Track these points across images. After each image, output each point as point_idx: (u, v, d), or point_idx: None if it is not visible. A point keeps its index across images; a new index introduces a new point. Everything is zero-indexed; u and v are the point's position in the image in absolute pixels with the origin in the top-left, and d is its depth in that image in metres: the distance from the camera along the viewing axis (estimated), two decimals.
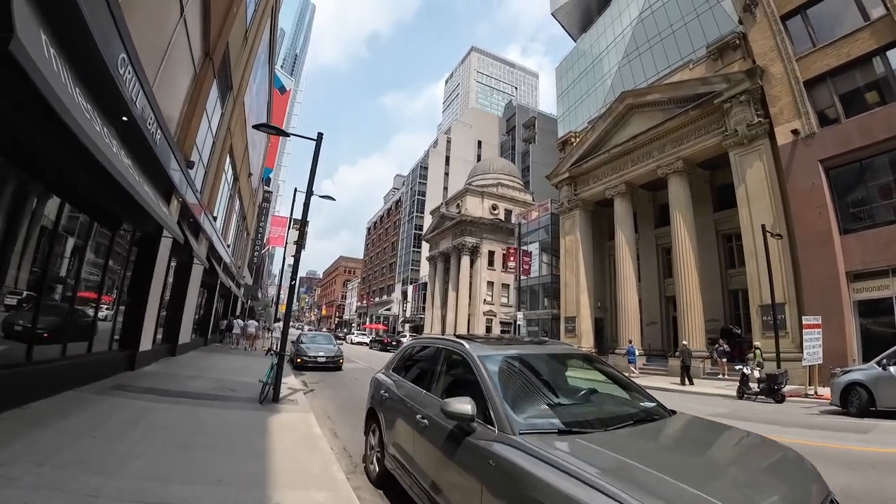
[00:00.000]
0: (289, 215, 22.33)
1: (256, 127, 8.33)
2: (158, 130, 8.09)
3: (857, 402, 9.94)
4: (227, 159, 17.77)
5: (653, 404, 3.38)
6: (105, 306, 8.32)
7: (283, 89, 48.18)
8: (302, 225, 8.23)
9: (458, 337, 3.95)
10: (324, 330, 68.38)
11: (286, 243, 21.65)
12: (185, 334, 14.54)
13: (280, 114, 45.79)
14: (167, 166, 8.67)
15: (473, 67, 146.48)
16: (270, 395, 7.76)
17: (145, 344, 9.77)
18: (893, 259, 14.86)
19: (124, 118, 6.64)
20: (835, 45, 16.92)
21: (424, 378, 4.03)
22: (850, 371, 10.97)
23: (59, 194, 6.16)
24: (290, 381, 10.62)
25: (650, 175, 24.84)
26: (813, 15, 18.07)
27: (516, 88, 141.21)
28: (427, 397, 3.68)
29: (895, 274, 14.92)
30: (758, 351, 17.26)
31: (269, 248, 60.58)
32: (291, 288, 8.24)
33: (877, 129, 15.39)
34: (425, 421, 3.43)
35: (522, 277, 31.86)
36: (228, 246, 21.55)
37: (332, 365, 15.63)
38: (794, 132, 17.51)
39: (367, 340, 40.65)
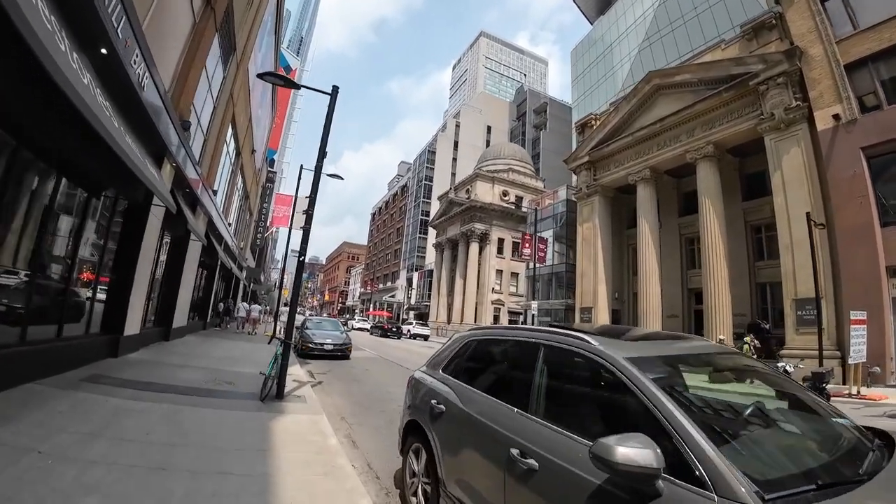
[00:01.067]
0: (294, 193, 21.02)
1: (261, 76, 7.03)
2: (147, 76, 6.81)
3: None
4: (230, 130, 16.48)
5: (853, 425, 2.15)
6: (82, 283, 7.12)
7: (288, 69, 46.66)
8: (315, 186, 6.98)
9: (569, 329, 2.66)
10: (324, 315, 67.54)
11: (291, 223, 20.32)
12: (181, 317, 13.38)
13: (285, 94, 44.36)
14: (157, 120, 7.38)
15: (482, 53, 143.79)
16: (273, 391, 6.58)
17: (131, 327, 8.58)
18: None
19: (103, 50, 5.37)
20: (876, 30, 15.74)
21: (510, 390, 2.81)
22: None
23: (24, 143, 4.91)
24: (294, 371, 9.47)
25: (677, 160, 23.45)
26: None
27: (525, 75, 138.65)
28: (528, 422, 2.43)
29: None
30: (746, 346, 17.14)
31: (272, 232, 59.48)
32: (300, 264, 7.00)
33: None
34: (532, 462, 2.20)
35: (540, 265, 30.55)
36: (230, 224, 20.31)
37: (340, 353, 14.46)
38: (835, 117, 16.30)
39: (368, 326, 40.45)
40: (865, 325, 13.51)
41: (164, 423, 4.63)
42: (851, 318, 13.50)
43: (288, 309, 22.49)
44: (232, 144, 17.79)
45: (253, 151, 23.82)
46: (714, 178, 21.44)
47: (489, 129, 74.55)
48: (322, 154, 7.18)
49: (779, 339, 19.49)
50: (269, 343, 6.96)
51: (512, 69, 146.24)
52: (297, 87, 7.27)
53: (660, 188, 25.40)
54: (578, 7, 54.54)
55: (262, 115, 26.40)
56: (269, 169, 38.44)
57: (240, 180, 21.86)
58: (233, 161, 18.75)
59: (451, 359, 3.57)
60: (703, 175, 21.65)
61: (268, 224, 36.78)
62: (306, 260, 7.08)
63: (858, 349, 12.90)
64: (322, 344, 14.11)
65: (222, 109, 14.10)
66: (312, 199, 7.05)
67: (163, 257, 11.67)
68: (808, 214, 15.54)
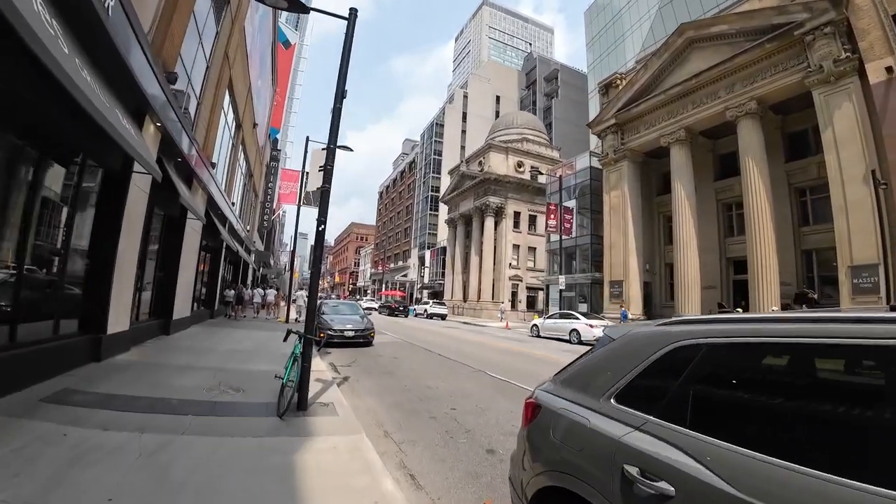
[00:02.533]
0: (301, 168, 19.39)
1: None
2: None
3: None
4: (227, 96, 14.77)
5: None
6: (45, 273, 5.65)
7: (287, 44, 44.48)
8: (334, 130, 5.39)
9: None
10: (334, 296, 66.76)
11: (300, 198, 18.80)
12: (183, 307, 11.99)
13: (285, 69, 42.39)
14: (130, 64, 5.78)
15: (485, 23, 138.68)
16: (294, 401, 5.12)
17: (118, 323, 7.16)
18: None
19: None
20: None
21: (844, 450, 1.33)
22: None
23: None
24: (314, 363, 8.04)
25: (715, 119, 21.52)
26: None
27: (531, 45, 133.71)
28: None
29: None
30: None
31: (280, 214, 58.13)
32: (318, 236, 5.46)
33: None
34: None
35: (564, 238, 28.81)
36: (233, 204, 18.78)
37: (363, 340, 13.02)
38: (888, 70, 14.80)
39: (376, 306, 41.52)
40: None
41: (143, 470, 3.17)
42: None
43: (304, 293, 21.25)
44: (231, 114, 16.11)
45: (255, 125, 22.08)
46: (757, 136, 19.64)
47: (498, 99, 71.67)
48: (341, 93, 5.55)
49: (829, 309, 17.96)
50: (284, 340, 5.19)
51: (517, 39, 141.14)
52: (307, 10, 5.57)
53: (693, 151, 23.41)
54: None
55: (263, 87, 24.57)
56: (273, 149, 36.80)
57: (242, 156, 20.21)
58: (233, 133, 17.08)
59: (637, 379, 1.99)
60: (746, 134, 19.84)
61: (274, 205, 35.24)
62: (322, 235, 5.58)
63: None
64: (342, 330, 12.67)
65: (217, 70, 12.38)
66: (332, 148, 5.45)
67: (152, 243, 10.20)
68: (873, 172, 14.08)
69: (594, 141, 42.89)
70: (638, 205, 25.73)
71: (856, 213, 15.39)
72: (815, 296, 18.59)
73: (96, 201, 6.75)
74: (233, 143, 17.49)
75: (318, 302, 16.95)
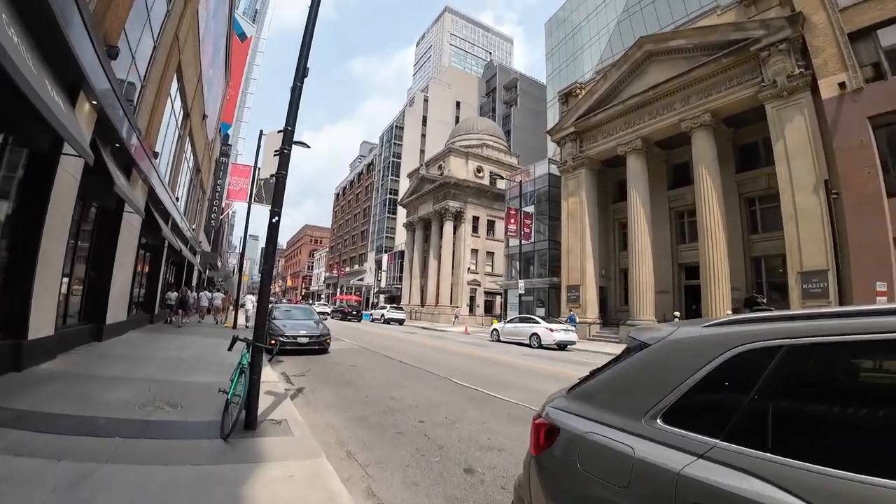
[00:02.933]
0: (253, 163, 18.28)
1: None
2: None
3: None
4: (175, 82, 13.63)
5: None
6: None
7: (242, 36, 42.70)
8: (294, 107, 4.83)
9: None
10: (284, 301, 64.39)
11: (250, 195, 17.66)
12: (118, 310, 10.81)
13: (240, 62, 40.57)
14: (65, 30, 4.95)
15: (447, 29, 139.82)
16: (242, 419, 4.47)
17: (41, 327, 6.19)
18: None
19: None
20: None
21: None
22: None
23: None
24: (265, 374, 7.31)
25: (671, 129, 22.33)
26: None
27: (490, 53, 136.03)
28: None
29: None
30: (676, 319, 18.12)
31: (229, 214, 55.34)
32: (271, 228, 4.85)
33: None
34: None
35: (517, 243, 28.98)
36: (178, 199, 17.41)
37: (318, 347, 12.23)
38: (841, 85, 15.74)
39: (329, 311, 39.90)
40: (886, 297, 13.27)
41: None
42: (877, 289, 13.44)
43: (253, 297, 19.91)
44: (178, 102, 14.88)
45: (204, 117, 20.64)
46: (711, 147, 20.54)
47: (458, 104, 71.94)
48: (302, 70, 5.00)
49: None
50: (229, 349, 4.49)
51: (477, 47, 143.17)
52: None
53: (648, 160, 24.22)
54: None
55: (215, 77, 23.10)
56: (224, 144, 34.91)
57: (189, 149, 18.79)
58: (180, 123, 15.81)
59: (690, 394, 1.57)
60: (700, 145, 20.70)
61: (223, 203, 33.30)
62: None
63: None
64: (295, 337, 11.84)
65: (165, 52, 11.35)
66: (289, 130, 4.88)
67: (87, 239, 9.10)
68: (826, 182, 14.79)
69: (551, 149, 43.75)
70: (595, 212, 26.32)
71: (805, 222, 16.21)
72: (764, 300, 19.58)
73: (17, 186, 5.80)
74: (179, 134, 16.19)
75: (269, 306, 16.00)
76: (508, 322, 21.84)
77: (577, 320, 23.54)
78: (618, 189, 28.05)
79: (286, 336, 11.66)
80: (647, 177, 23.57)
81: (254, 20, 61.90)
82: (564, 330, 18.58)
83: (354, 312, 39.12)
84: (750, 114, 20.03)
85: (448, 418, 5.95)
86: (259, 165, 17.83)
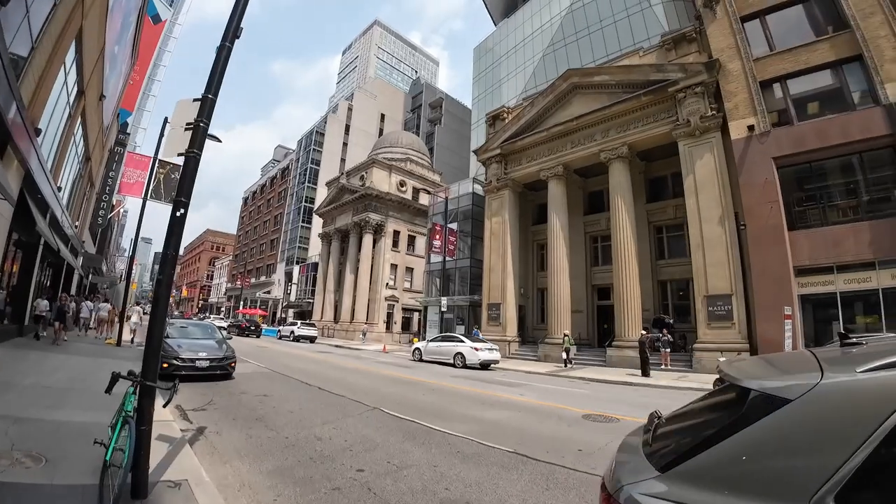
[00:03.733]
0: (154, 153, 15.75)
1: None
2: None
3: None
4: (73, 50, 11.15)
5: None
6: None
7: (157, 18, 38.31)
8: (216, 73, 3.73)
9: None
10: (177, 314, 57.80)
11: (147, 190, 15.08)
12: None
13: (151, 44, 36.19)
14: None
15: (375, 42, 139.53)
16: (128, 484, 3.14)
17: None
18: (838, 257, 15.31)
19: None
20: (793, 52, 17.27)
21: None
22: None
23: None
24: (155, 406, 5.75)
25: (590, 158, 23.53)
26: (772, 21, 18.43)
27: (417, 72, 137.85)
28: None
29: (839, 271, 15.37)
30: (566, 337, 20.27)
31: (120, 212, 48.42)
32: (175, 222, 3.63)
33: (832, 134, 15.78)
34: None
35: (440, 260, 28.57)
36: (60, 189, 14.30)
37: (221, 372, 10.40)
38: (750, 128, 17.50)
39: (225, 325, 36.49)
40: (791, 321, 14.64)
41: None
42: (785, 313, 14.61)
43: (140, 307, 17.07)
44: (73, 74, 12.19)
45: (101, 97, 17.32)
46: (626, 177, 21.85)
47: (382, 117, 70.99)
48: (234, 30, 3.91)
49: (681, 334, 20.47)
50: (107, 390, 3.14)
51: (404, 64, 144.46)
52: None
53: (566, 186, 25.29)
54: (486, 6, 54.30)
55: (119, 56, 19.65)
56: (121, 133, 30.42)
57: (80, 132, 15.64)
58: (72, 100, 12.95)
59: (871, 460, 1.08)
60: (616, 174, 21.94)
61: (114, 200, 28.65)
62: (161, 251, 3.73)
63: (788, 343, 13.90)
64: (193, 360, 9.94)
65: (67, 12, 9.20)
66: (210, 98, 3.74)
67: None
68: (737, 214, 16.26)
69: (473, 169, 44.47)
70: (516, 233, 26.83)
71: (711, 250, 17.60)
72: (671, 320, 21.10)
73: None
74: (70, 114, 13.30)
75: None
76: (431, 341, 21.07)
77: (482, 336, 23.55)
78: (537, 212, 29.00)
79: (182, 359, 9.75)
80: (567, 202, 24.52)
81: (171, 3, 56.04)
82: (488, 349, 18.24)
83: (253, 327, 36.73)
84: (661, 149, 21.73)
85: (391, 463, 4.97)
86: (161, 158, 15.32)
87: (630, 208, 21.26)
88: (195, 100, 3.96)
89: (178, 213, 3.63)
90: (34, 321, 14.23)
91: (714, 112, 18.74)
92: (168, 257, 3.68)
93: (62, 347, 12.59)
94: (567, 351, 20.03)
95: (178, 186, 3.72)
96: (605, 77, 23.22)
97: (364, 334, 35.16)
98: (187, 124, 3.85)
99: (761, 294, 16.06)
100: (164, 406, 3.51)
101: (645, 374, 15.84)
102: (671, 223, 22.73)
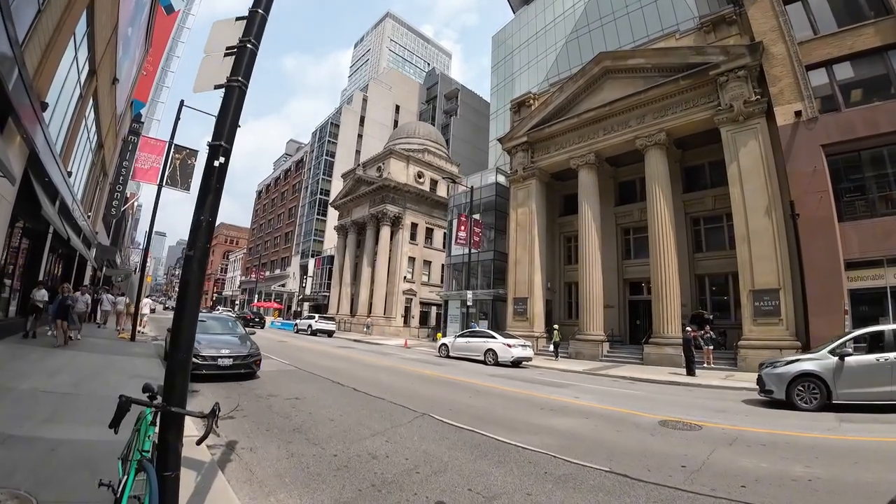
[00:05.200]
0: (170, 137, 14.90)
1: None
2: None
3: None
4: (84, 22, 10.26)
5: None
6: None
7: (170, 8, 37.65)
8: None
9: None
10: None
11: (162, 176, 14.25)
12: None
13: (163, 35, 35.54)
14: None
15: (387, 34, 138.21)
16: None
17: None
18: (889, 250, 14.29)
19: None
20: (837, 36, 16.19)
21: None
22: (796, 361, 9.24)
23: None
24: None
25: (624, 146, 22.25)
26: (814, 3, 17.32)
27: (429, 64, 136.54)
28: None
29: (890, 264, 14.33)
30: (555, 332, 20.83)
31: (134, 205, 48.22)
32: (211, 174, 2.62)
33: (882, 122, 14.77)
34: None
35: (461, 252, 27.53)
36: (70, 174, 13.49)
37: (245, 370, 9.52)
38: (797, 114, 16.29)
39: (232, 317, 36.35)
40: (849, 315, 13.83)
41: None
42: (844, 308, 13.86)
43: (149, 300, 16.29)
44: (84, 51, 11.31)
45: (115, 81, 16.48)
46: (664, 166, 20.59)
47: (397, 108, 69.87)
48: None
49: (720, 330, 19.22)
50: (113, 426, 2.03)
51: (416, 56, 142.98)
52: None
53: (596, 175, 24.04)
54: None
55: (133, 39, 18.71)
56: (135, 123, 29.78)
57: (91, 115, 14.82)
58: (83, 79, 12.09)
59: None
60: (653, 162, 20.67)
61: (127, 191, 28.06)
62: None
63: None
64: (215, 357, 9.06)
65: None
66: (261, 4, 2.71)
67: None
68: (792, 204, 15.07)
69: (492, 160, 43.33)
70: (543, 223, 25.65)
71: (757, 242, 16.47)
72: (710, 316, 19.89)
73: None
74: (81, 94, 12.44)
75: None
76: (459, 336, 20.05)
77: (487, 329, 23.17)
78: (564, 203, 27.78)
79: (202, 356, 8.86)
80: (598, 191, 23.28)
81: None
82: (521, 346, 17.19)
83: (257, 319, 38.43)
84: (697, 137, 20.48)
85: (473, 491, 3.97)
86: (174, 141, 14.46)
87: (668, 198, 19.99)
88: (238, 18, 2.95)
89: (215, 163, 2.63)
90: (28, 313, 12.12)
91: (758, 97, 17.51)
92: (202, 225, 2.67)
93: (76, 344, 11.83)
94: (556, 345, 20.74)
95: (215, 126, 2.72)
96: (640, 60, 21.87)
97: (368, 326, 35.25)
98: (228, 48, 2.85)
99: (813, 288, 14.98)
100: (199, 443, 2.50)
101: (690, 373, 14.74)
102: (709, 214, 21.41)
